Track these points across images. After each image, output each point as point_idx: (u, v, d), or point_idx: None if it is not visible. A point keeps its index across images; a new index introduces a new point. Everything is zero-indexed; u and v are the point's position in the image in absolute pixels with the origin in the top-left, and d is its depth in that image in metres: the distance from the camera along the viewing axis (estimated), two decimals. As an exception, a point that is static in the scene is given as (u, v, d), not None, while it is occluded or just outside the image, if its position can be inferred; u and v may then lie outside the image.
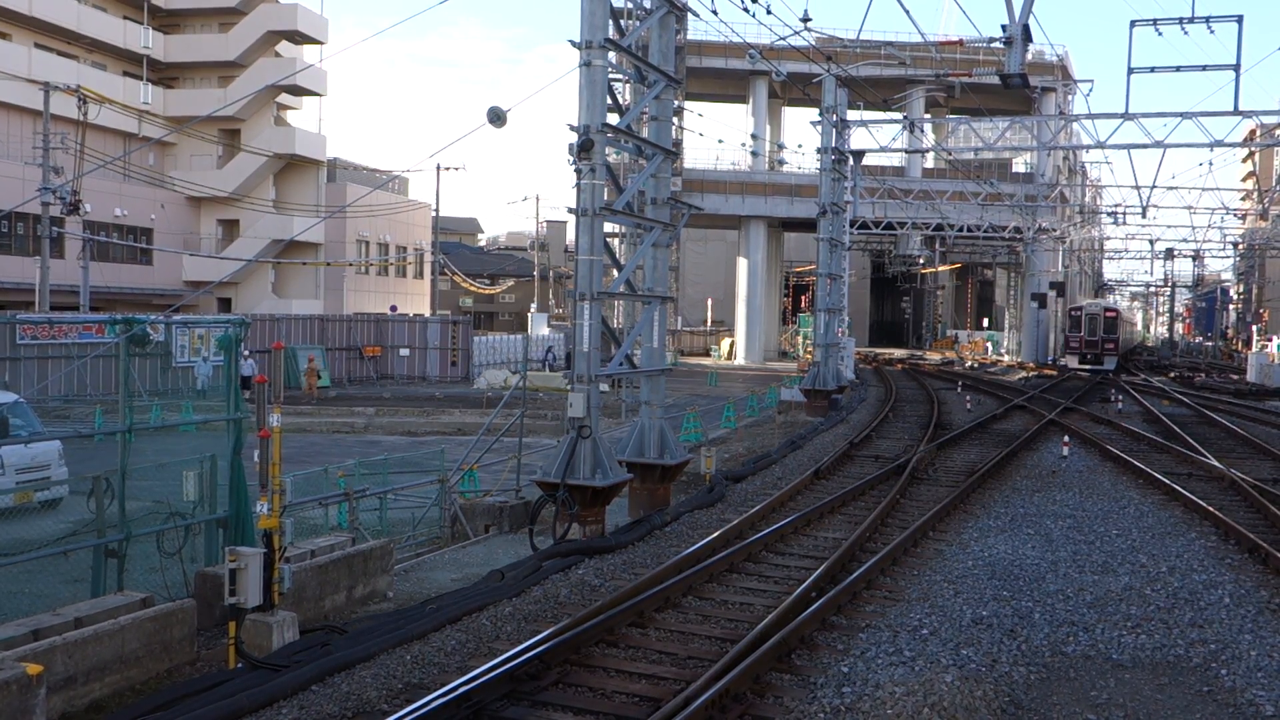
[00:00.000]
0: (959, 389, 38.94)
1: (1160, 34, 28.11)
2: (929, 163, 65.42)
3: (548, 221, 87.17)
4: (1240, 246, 77.07)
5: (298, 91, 55.80)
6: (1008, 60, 20.45)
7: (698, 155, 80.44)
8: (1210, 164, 72.90)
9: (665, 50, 16.02)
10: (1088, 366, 50.51)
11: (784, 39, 25.47)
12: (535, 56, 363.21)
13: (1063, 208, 61.82)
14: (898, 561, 12.10)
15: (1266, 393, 40.48)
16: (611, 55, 14.13)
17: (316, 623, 9.71)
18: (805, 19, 24.03)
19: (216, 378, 29.65)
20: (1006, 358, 65.93)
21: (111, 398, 17.63)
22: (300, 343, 39.67)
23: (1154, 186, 41.01)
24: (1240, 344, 72.70)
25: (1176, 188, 61.87)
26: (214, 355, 32.49)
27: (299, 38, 54.85)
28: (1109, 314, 54.00)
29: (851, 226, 43.69)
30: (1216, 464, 19.09)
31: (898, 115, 44.48)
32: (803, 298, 74.85)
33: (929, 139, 52.89)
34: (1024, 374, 51.39)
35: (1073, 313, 55.22)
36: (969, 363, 60.24)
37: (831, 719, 7.51)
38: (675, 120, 42.95)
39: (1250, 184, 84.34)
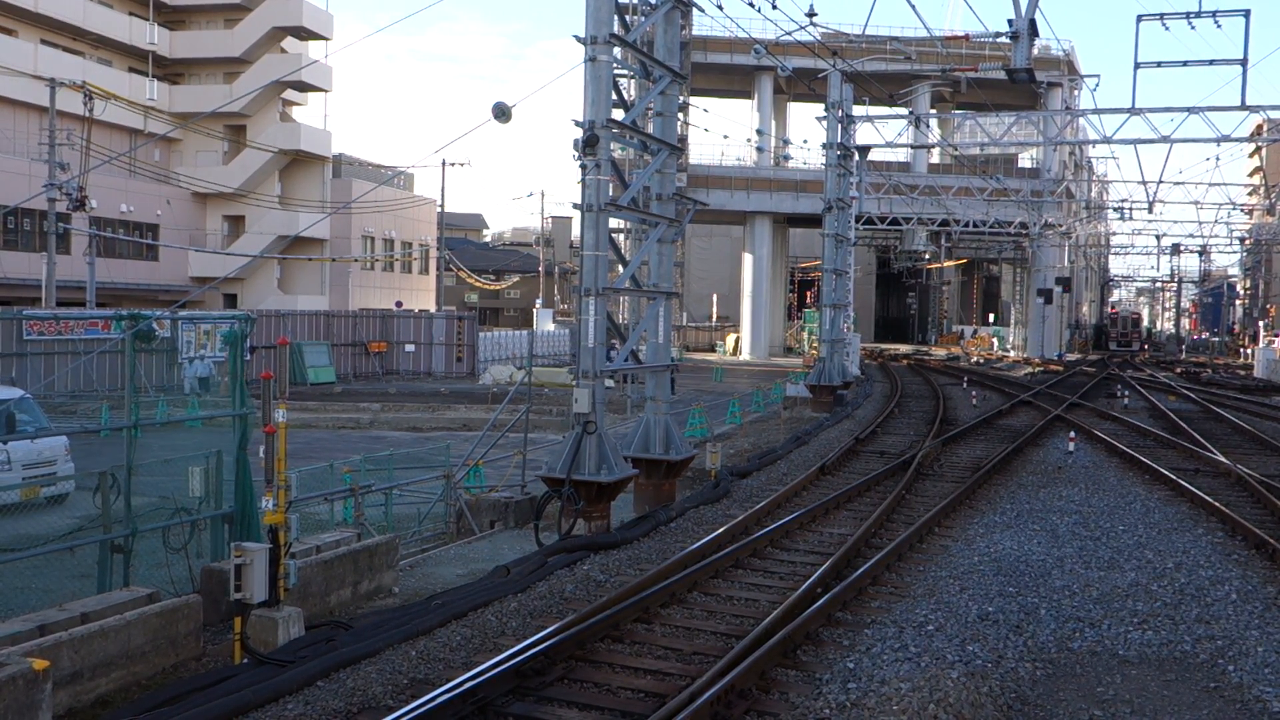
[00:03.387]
0: (964, 385, 38.90)
1: (1167, 28, 28.04)
2: (935, 158, 65.31)
3: (553, 217, 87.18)
4: (1247, 242, 76.85)
5: (303, 87, 55.84)
6: (1014, 55, 20.40)
7: (703, 151, 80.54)
8: (1217, 159, 72.64)
9: (670, 45, 15.98)
10: (1122, 349, 73.37)
11: (789, 34, 25.38)
12: (536, 52, 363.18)
13: (1069, 203, 61.69)
14: (903, 557, 12.09)
15: (1273, 388, 40.36)
16: (616, 50, 14.11)
17: (322, 618, 9.73)
18: (810, 14, 23.93)
19: (220, 374, 29.74)
20: (1012, 353, 65.82)
21: (117, 393, 17.65)
22: (306, 338, 39.70)
23: (1160, 181, 40.84)
24: (1247, 339, 72.52)
25: (1183, 183, 61.53)
26: (204, 354, 32.47)
27: (304, 34, 54.87)
28: (1134, 315, 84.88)
29: (857, 222, 43.59)
30: (1223, 459, 19.04)
31: (903, 111, 44.40)
32: (808, 293, 74.68)
33: (935, 134, 52.79)
34: (1030, 370, 51.32)
35: (1110, 315, 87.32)
36: (974, 358, 60.14)
37: (837, 715, 7.50)
38: (680, 116, 42.97)
39: (1257, 179, 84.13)
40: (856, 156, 37.69)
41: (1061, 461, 19.73)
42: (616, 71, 14.86)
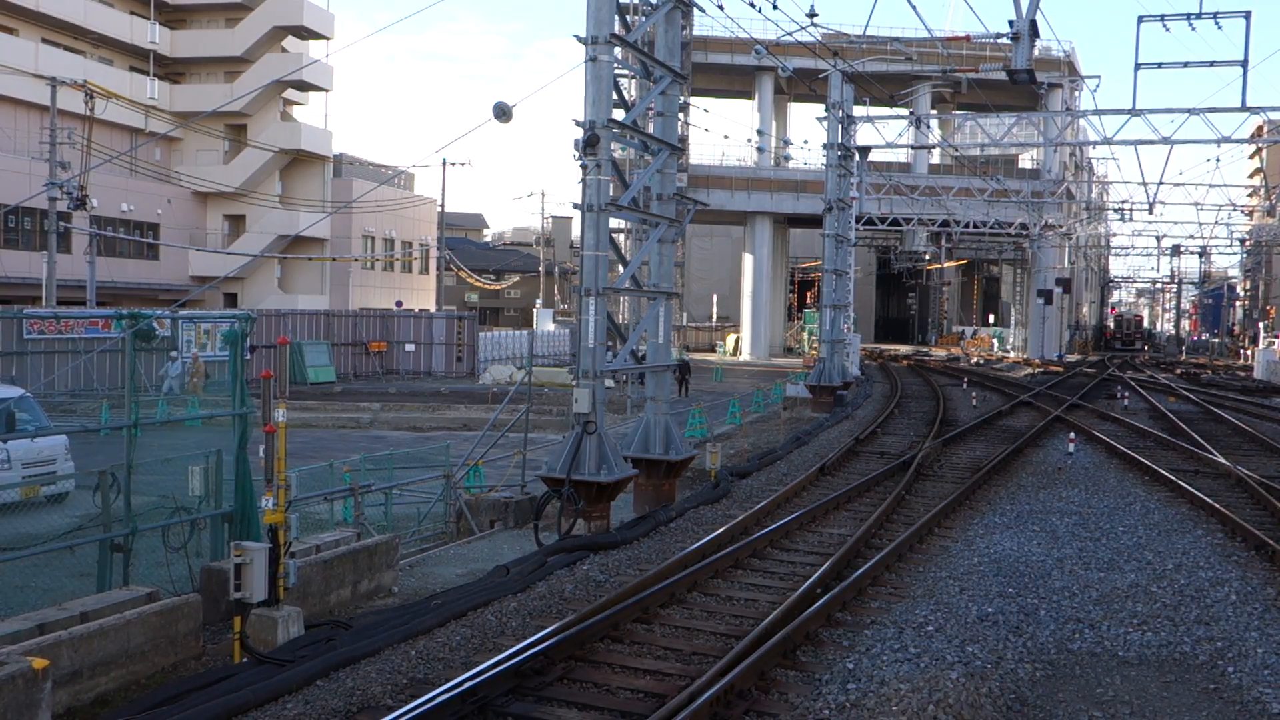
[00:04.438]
0: (964, 385, 38.90)
1: (1168, 29, 28.01)
2: (935, 159, 65.27)
3: (553, 217, 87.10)
4: (1247, 243, 76.83)
5: (303, 87, 55.83)
6: (1014, 56, 20.40)
7: (703, 151, 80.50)
8: (1218, 160, 72.57)
9: (671, 45, 15.98)
10: (1125, 349, 78.83)
11: (790, 34, 25.40)
12: (535, 51, 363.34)
13: (1069, 204, 61.68)
14: (903, 558, 12.09)
15: (1273, 390, 40.36)
16: (617, 50, 14.11)
17: (322, 618, 9.73)
18: (811, 14, 23.94)
19: (222, 373, 29.68)
20: (1012, 354, 65.81)
21: (118, 392, 17.66)
22: (306, 338, 39.69)
23: (1161, 183, 40.88)
24: (1247, 341, 72.50)
25: (1183, 184, 61.66)
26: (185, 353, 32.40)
27: (305, 33, 54.85)
28: (1137, 317, 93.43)
29: (857, 223, 43.57)
30: (1223, 461, 19.04)
31: (904, 111, 44.39)
32: (808, 294, 74.71)
33: (935, 135, 52.77)
34: (1030, 370, 51.32)
35: (1115, 317, 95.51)
36: (974, 359, 60.13)
37: (837, 716, 7.50)
38: (681, 116, 42.95)
39: (1258, 180, 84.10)
40: (857, 157, 37.69)
41: (1061, 462, 19.73)
42: (617, 71, 14.87)
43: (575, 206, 14.06)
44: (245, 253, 49.47)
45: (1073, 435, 21.89)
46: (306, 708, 7.51)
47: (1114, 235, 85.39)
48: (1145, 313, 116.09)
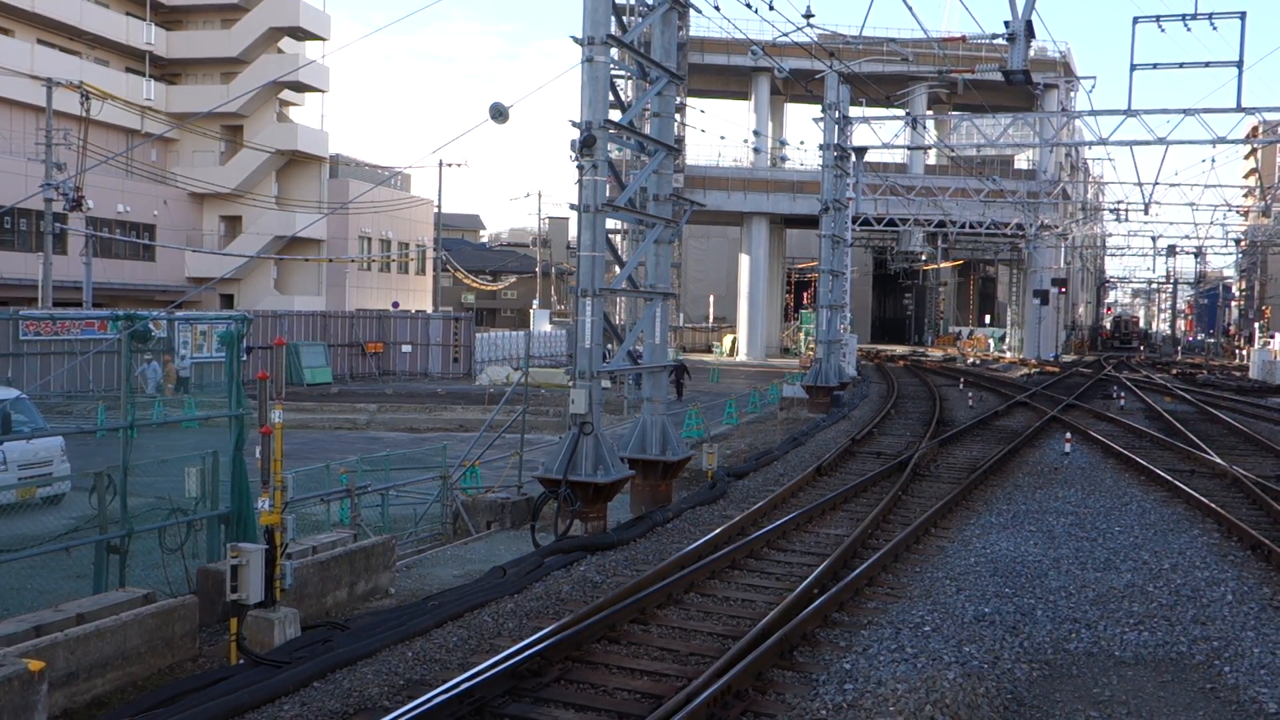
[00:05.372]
0: (961, 386, 38.92)
1: (1163, 30, 28.07)
2: (931, 159, 65.35)
3: (550, 218, 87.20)
4: (1242, 243, 76.98)
5: (300, 88, 55.79)
6: (1010, 56, 20.43)
7: (700, 152, 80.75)
8: (1213, 160, 72.97)
9: (667, 46, 15.99)
10: (1122, 348, 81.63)
11: (786, 35, 25.43)
12: (532, 52, 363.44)
13: (1065, 204, 61.77)
14: (900, 558, 12.09)
15: (1269, 389, 40.41)
16: (613, 51, 14.11)
17: (318, 619, 9.72)
18: (808, 15, 23.96)
19: (218, 374, 29.60)
20: (1008, 354, 65.88)
21: (114, 394, 17.65)
22: (303, 339, 39.65)
23: (1156, 183, 40.90)
24: (1242, 341, 72.63)
25: (1179, 184, 61.48)
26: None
27: (301, 34, 54.82)
28: (1133, 319, 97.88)
29: (854, 223, 43.63)
30: (1219, 460, 19.06)
31: (900, 112, 44.45)
32: (805, 294, 74.83)
33: (931, 135, 52.83)
34: (1026, 371, 51.36)
35: (1114, 318, 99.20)
36: (971, 359, 60.19)
37: (834, 716, 7.50)
38: (677, 117, 42.94)
39: (1253, 180, 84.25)
40: (853, 157, 37.73)
41: (1058, 462, 19.74)
42: (613, 72, 14.86)
43: (572, 207, 14.07)
44: (242, 254, 49.40)
45: (1069, 435, 21.90)
46: (303, 709, 7.50)
47: (1110, 235, 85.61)
48: (1141, 313, 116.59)
